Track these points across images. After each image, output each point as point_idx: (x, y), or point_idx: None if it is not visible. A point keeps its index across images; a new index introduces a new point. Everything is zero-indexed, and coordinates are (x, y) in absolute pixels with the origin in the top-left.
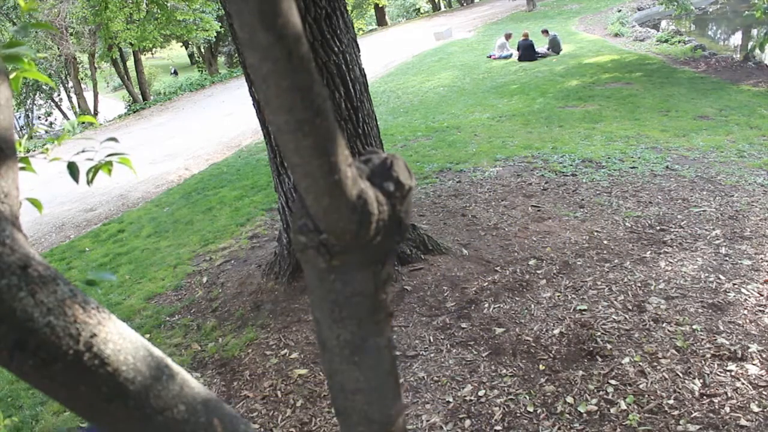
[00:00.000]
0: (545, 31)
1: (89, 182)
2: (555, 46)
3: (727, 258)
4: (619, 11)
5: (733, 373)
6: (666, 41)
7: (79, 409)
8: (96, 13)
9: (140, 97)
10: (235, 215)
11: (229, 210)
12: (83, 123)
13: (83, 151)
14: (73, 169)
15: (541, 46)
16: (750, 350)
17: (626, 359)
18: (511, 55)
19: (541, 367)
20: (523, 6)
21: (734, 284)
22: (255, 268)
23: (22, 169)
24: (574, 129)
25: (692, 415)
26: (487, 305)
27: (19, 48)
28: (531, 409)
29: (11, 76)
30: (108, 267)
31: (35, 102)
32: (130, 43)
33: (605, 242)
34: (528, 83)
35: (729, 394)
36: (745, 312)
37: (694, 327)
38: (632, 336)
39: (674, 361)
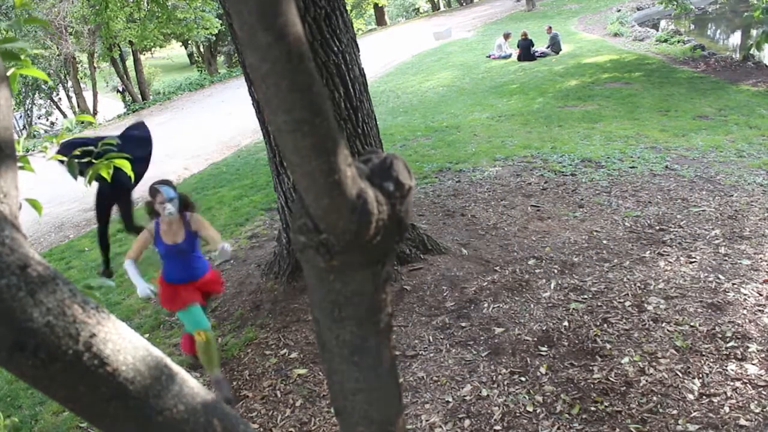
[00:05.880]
0: (549, 28)
1: (87, 183)
2: (555, 45)
3: (726, 258)
4: (619, 11)
5: (732, 373)
6: (665, 41)
7: (78, 409)
8: (97, 12)
9: (140, 96)
10: (234, 215)
11: (229, 210)
12: (82, 122)
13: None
14: (72, 166)
15: (541, 45)
16: (750, 350)
17: (626, 359)
18: (510, 55)
19: (541, 367)
20: (523, 6)
21: (733, 284)
22: (254, 268)
23: (21, 168)
24: (573, 129)
25: (692, 415)
26: (486, 305)
27: (15, 43)
28: (531, 409)
29: (8, 73)
30: None
31: (35, 102)
32: (131, 42)
33: (604, 242)
34: (527, 83)
35: (728, 394)
36: (745, 312)
37: (693, 326)
38: (632, 336)
39: (674, 360)
